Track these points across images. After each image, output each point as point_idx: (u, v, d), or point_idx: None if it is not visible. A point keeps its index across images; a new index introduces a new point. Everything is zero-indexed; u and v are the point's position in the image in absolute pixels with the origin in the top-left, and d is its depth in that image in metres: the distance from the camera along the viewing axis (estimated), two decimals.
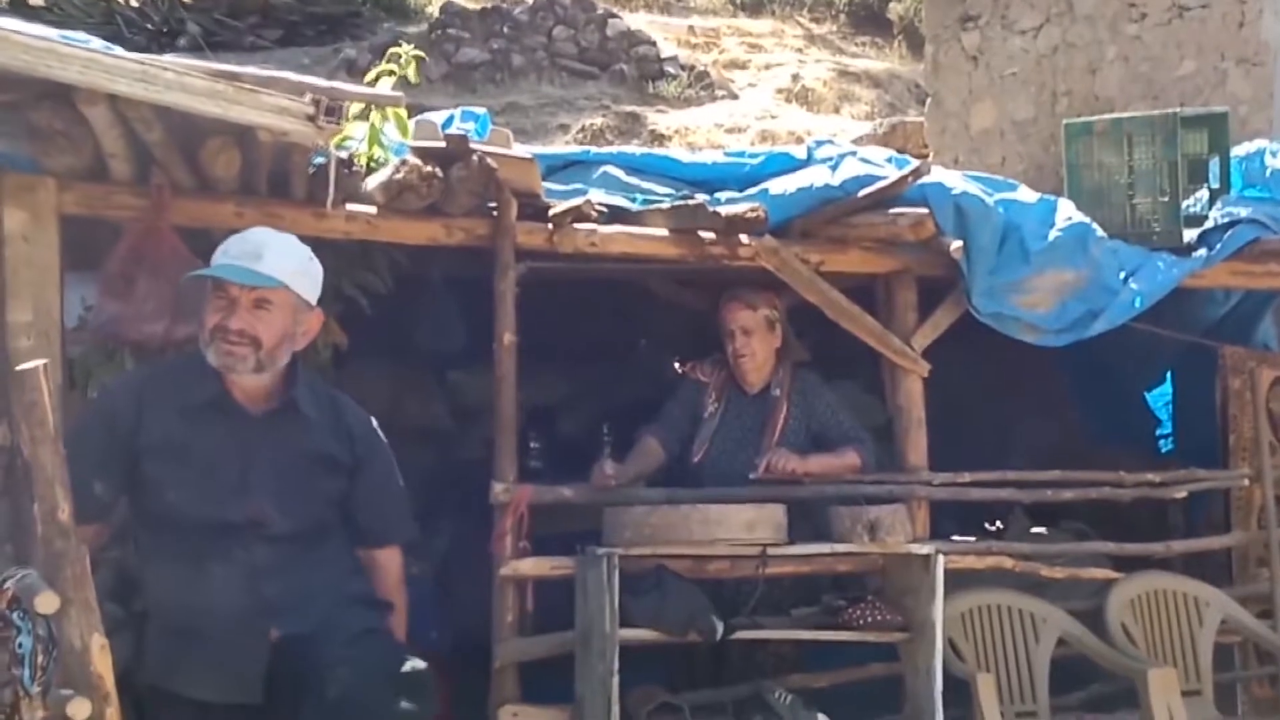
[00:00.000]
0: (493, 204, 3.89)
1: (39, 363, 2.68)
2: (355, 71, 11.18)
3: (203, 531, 2.96)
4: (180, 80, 2.98)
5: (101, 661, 2.55)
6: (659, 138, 11.27)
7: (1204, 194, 4.80)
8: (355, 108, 3.71)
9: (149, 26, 13.31)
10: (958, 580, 4.31)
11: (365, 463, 3.20)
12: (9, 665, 2.64)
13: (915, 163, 4.28)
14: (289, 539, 3.04)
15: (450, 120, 4.15)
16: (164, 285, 3.45)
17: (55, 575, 2.57)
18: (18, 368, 2.73)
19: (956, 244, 4.19)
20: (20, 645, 2.61)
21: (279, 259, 3.02)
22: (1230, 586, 4.82)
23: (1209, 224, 4.64)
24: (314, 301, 3.11)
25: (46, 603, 2.52)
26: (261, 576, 2.98)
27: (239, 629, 2.95)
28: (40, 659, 2.58)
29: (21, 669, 2.60)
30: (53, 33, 3.11)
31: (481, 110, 4.29)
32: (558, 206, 3.97)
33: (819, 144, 4.63)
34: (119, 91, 2.97)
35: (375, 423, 3.27)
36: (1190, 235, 4.62)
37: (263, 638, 2.96)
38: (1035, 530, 4.82)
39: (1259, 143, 5.06)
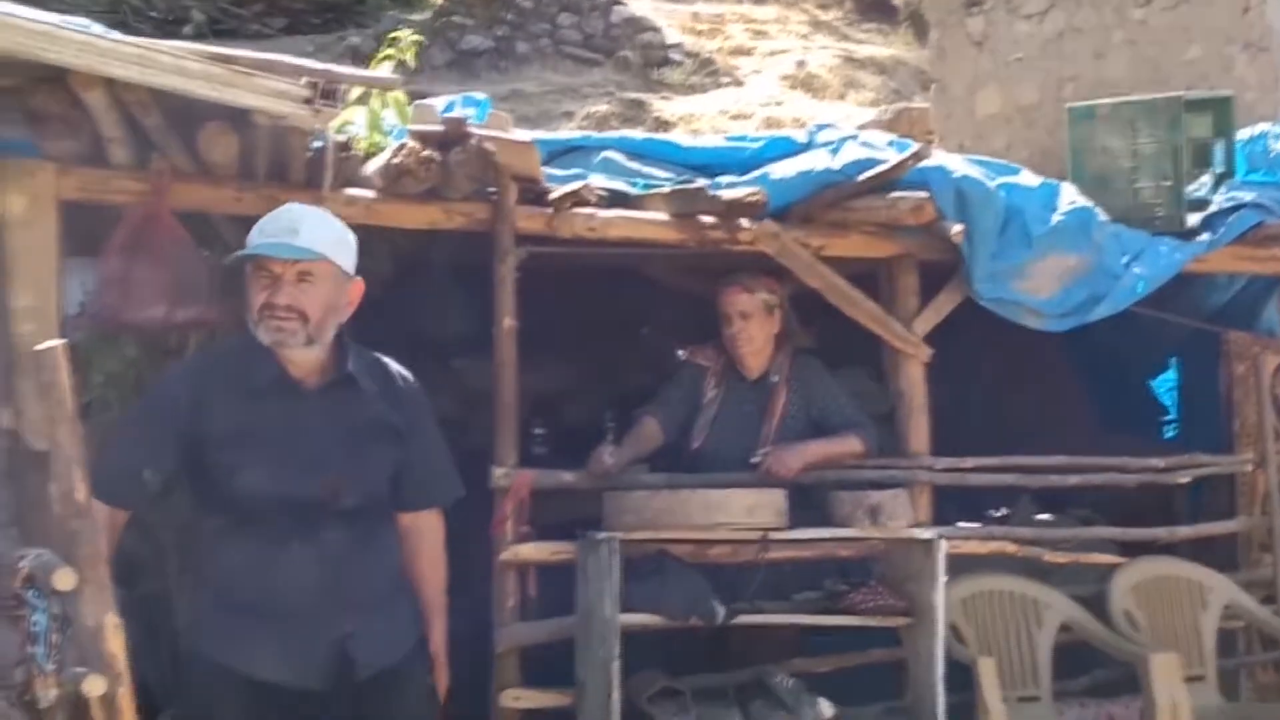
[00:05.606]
0: (492, 189, 3.89)
1: (57, 342, 2.68)
2: (360, 59, 11.13)
3: (281, 512, 2.98)
4: (177, 64, 2.98)
5: (115, 640, 2.56)
6: (663, 125, 11.23)
7: (1208, 178, 4.78)
8: (355, 93, 3.71)
9: (154, 14, 13.32)
10: (963, 566, 4.31)
11: (414, 425, 3.20)
12: (24, 643, 2.66)
13: (916, 146, 4.27)
14: (358, 514, 3.06)
15: (451, 106, 4.14)
16: (163, 270, 3.46)
17: (71, 554, 2.58)
18: (36, 348, 2.73)
19: (958, 228, 4.18)
20: (35, 623, 2.62)
21: (316, 231, 3.02)
22: (1234, 572, 4.82)
23: (1213, 208, 4.63)
24: (352, 271, 3.11)
25: (63, 580, 2.54)
26: (339, 563, 3.01)
27: (315, 615, 2.99)
28: (55, 637, 2.59)
29: (36, 647, 2.61)
30: (52, 17, 3.11)
31: (483, 96, 4.29)
32: (557, 191, 3.97)
33: (820, 128, 4.62)
34: (115, 75, 2.97)
35: (415, 380, 3.26)
36: (1194, 220, 4.60)
37: (336, 628, 3.00)
38: (1041, 517, 4.82)
39: (1263, 127, 5.05)
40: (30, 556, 2.68)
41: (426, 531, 3.29)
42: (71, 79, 3.06)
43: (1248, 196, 4.63)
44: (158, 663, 3.54)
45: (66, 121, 3.24)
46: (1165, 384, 5.47)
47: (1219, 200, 4.65)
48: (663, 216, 4.11)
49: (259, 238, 3.03)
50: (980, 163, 4.53)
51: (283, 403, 3.04)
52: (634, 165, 4.36)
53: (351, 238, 3.13)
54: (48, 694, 2.56)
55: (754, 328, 4.31)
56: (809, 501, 4.18)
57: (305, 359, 3.06)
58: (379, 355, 3.24)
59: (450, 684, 3.32)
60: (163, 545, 3.61)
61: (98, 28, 3.24)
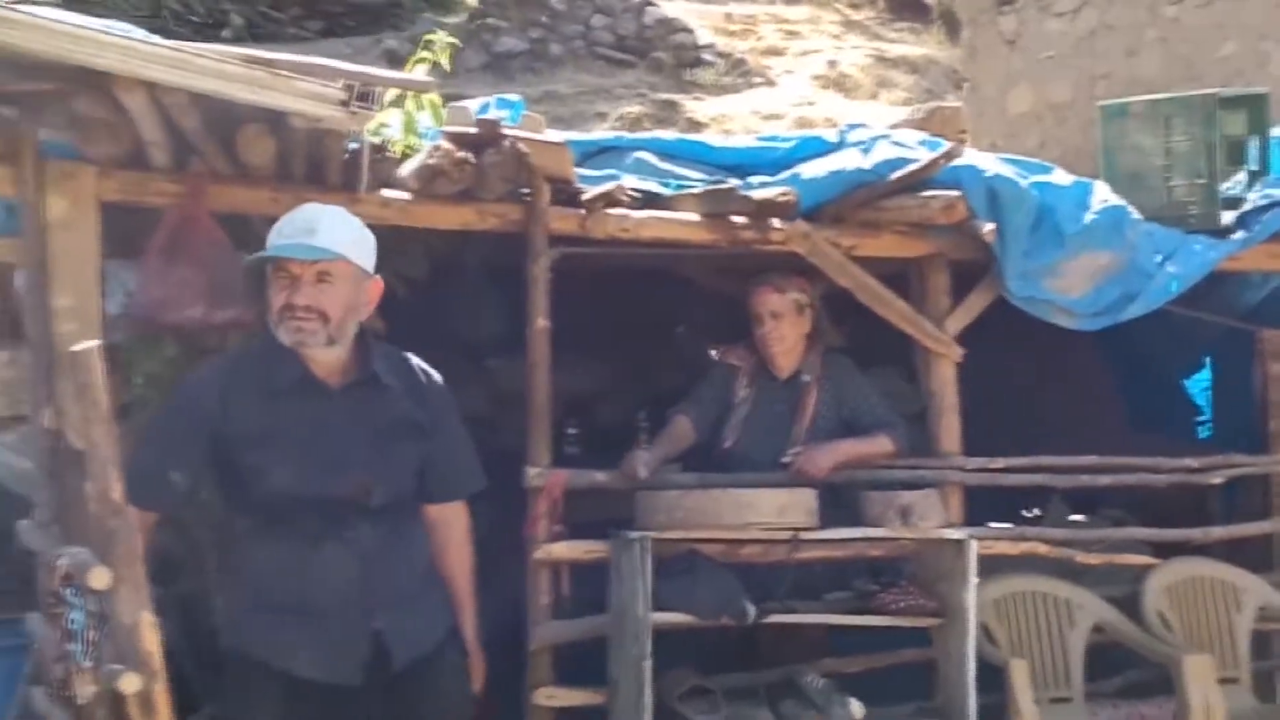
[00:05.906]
0: (526, 190, 3.92)
1: (92, 343, 2.72)
2: (396, 62, 11.23)
3: (312, 512, 3.02)
4: (216, 67, 3.01)
5: (150, 638, 2.59)
6: (696, 125, 11.26)
7: (1242, 176, 4.75)
8: (391, 95, 3.74)
9: (193, 18, 13.46)
10: (994, 566, 4.30)
11: (439, 421, 3.24)
12: (62, 640, 2.70)
13: (947, 145, 4.27)
14: (386, 511, 3.09)
15: (485, 108, 4.17)
16: (201, 271, 3.50)
17: (107, 553, 2.62)
18: (71, 348, 2.76)
19: (989, 227, 4.17)
20: (73, 621, 2.68)
21: (334, 231, 3.05)
22: (1269, 573, 4.78)
23: (1247, 206, 4.60)
24: (371, 270, 3.14)
25: (99, 579, 2.58)
26: (372, 559, 3.05)
27: (351, 612, 3.03)
28: (91, 634, 2.64)
29: (74, 644, 2.66)
30: (94, 22, 3.15)
31: (516, 98, 4.32)
32: (590, 192, 3.99)
33: (851, 127, 4.62)
34: (155, 78, 3.01)
35: (440, 377, 3.30)
36: (1228, 218, 4.57)
37: (371, 623, 3.05)
38: (1073, 517, 4.80)
39: None
40: (67, 555, 2.72)
41: (453, 522, 3.33)
42: (113, 83, 3.10)
43: None
44: (196, 659, 3.59)
45: (108, 125, 3.28)
46: (1199, 383, 5.44)
47: (1253, 198, 4.61)
48: (695, 217, 4.13)
49: (277, 239, 3.06)
50: (1012, 161, 4.51)
51: (307, 403, 3.08)
52: (666, 166, 4.37)
53: (370, 236, 3.16)
54: (85, 690, 2.61)
55: (785, 327, 4.32)
56: (840, 501, 4.18)
57: (327, 359, 3.09)
58: (402, 352, 3.27)
59: (485, 678, 3.36)
60: (199, 544, 3.65)
61: (139, 32, 3.28)
